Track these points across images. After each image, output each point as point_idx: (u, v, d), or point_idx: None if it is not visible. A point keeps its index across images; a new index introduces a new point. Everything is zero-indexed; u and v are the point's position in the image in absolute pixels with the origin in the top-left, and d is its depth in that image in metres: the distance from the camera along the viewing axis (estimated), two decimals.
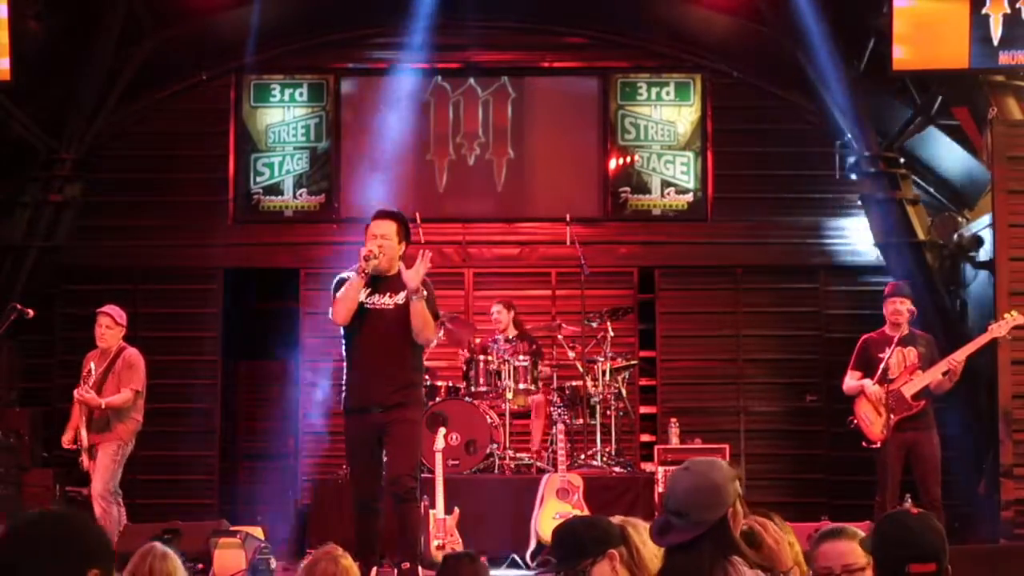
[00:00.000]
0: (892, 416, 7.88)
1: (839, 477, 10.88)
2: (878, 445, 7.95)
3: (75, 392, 7.93)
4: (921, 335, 8.23)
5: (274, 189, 11.53)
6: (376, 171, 11.52)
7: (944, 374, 7.96)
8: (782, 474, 11.08)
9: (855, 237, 11.22)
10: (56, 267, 10.91)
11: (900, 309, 8.04)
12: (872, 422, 7.99)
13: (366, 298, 6.55)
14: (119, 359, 8.08)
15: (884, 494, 7.87)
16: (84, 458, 8.02)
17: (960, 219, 10.62)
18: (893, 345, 7.94)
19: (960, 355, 7.97)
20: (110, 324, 8.13)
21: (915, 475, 8.13)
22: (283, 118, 11.58)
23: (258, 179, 11.53)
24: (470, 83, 11.67)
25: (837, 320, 11.18)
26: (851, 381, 8.23)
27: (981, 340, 8.04)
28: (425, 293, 6.43)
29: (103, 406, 7.89)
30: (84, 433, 7.91)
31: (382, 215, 6.74)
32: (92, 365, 8.04)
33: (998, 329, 7.99)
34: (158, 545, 4.04)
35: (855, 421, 8.13)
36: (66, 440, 8.04)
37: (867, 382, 8.04)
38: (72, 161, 10.76)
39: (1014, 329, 8.10)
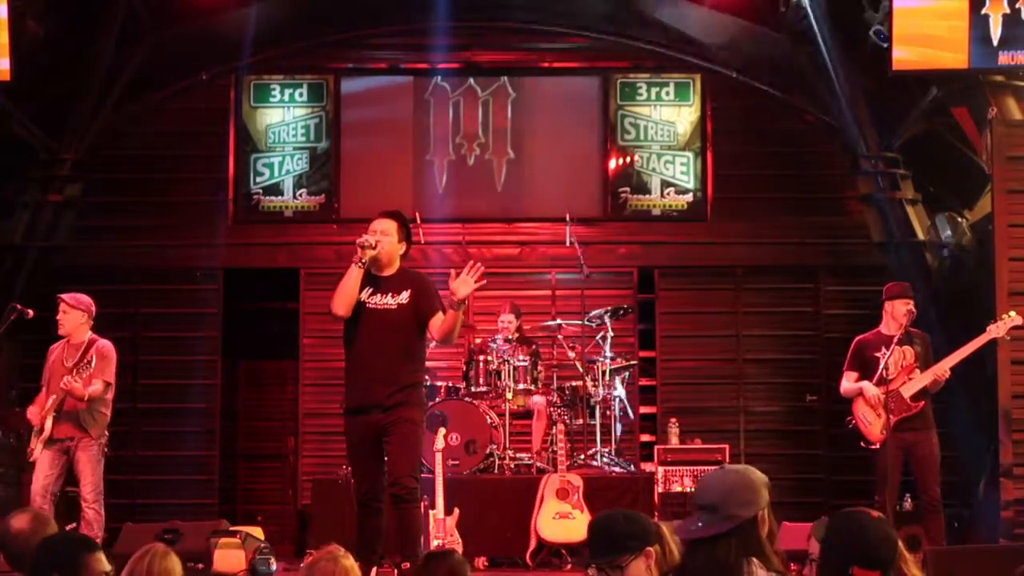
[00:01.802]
0: (891, 417, 7.87)
1: (839, 477, 10.89)
2: (877, 446, 7.94)
3: (64, 380, 7.72)
4: (917, 333, 8.19)
5: (274, 189, 11.53)
6: (376, 171, 11.53)
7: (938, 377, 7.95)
8: (782, 474, 11.04)
9: (855, 237, 11.22)
10: (56, 267, 10.90)
11: (912, 310, 8.01)
12: (871, 423, 7.98)
13: (367, 297, 6.56)
14: (91, 350, 7.88)
15: (883, 494, 7.85)
16: (36, 446, 7.77)
17: (960, 219, 10.63)
18: (892, 344, 7.92)
19: (956, 357, 7.95)
20: (65, 308, 7.93)
21: (914, 475, 8.12)
22: (283, 118, 11.58)
23: (258, 179, 11.53)
24: (470, 83, 11.67)
25: (836, 320, 11.17)
26: (848, 383, 8.20)
27: (979, 341, 8.02)
28: (465, 304, 6.46)
29: (85, 397, 7.76)
30: (50, 423, 7.70)
31: (383, 213, 6.79)
32: (69, 363, 7.81)
33: (996, 330, 7.97)
34: (159, 544, 4.04)
35: (853, 421, 8.12)
36: (35, 417, 7.79)
37: (865, 384, 8.01)
38: (72, 161, 10.77)
39: (1013, 329, 8.08)
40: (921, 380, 7.93)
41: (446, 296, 6.48)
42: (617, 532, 3.43)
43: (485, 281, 6.47)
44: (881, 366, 7.87)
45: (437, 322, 6.51)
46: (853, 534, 3.19)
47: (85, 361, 7.85)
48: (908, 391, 7.93)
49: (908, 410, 7.92)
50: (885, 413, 7.84)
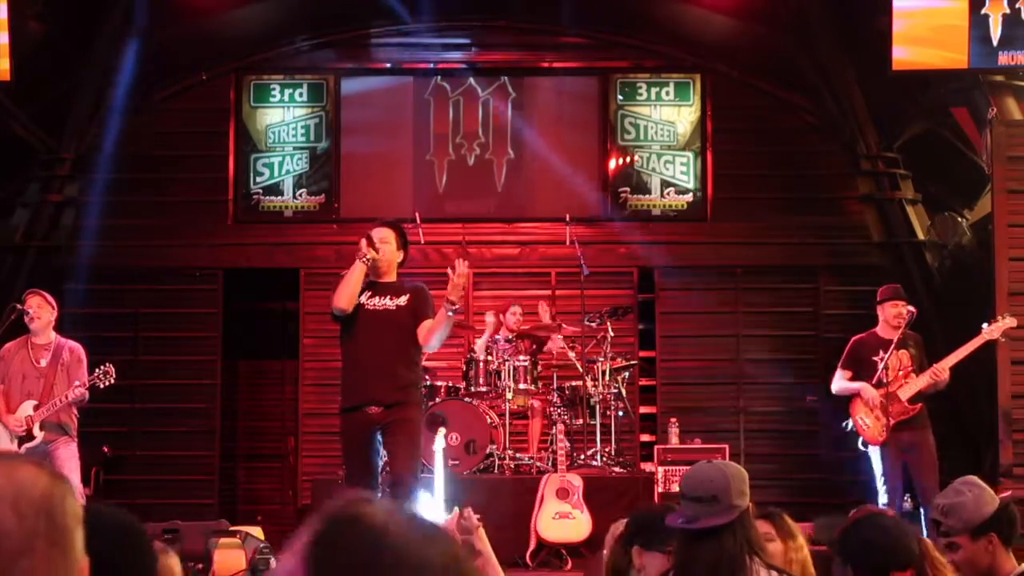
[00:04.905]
0: (890, 419, 7.85)
1: (839, 477, 10.88)
2: (876, 448, 7.92)
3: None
4: (911, 334, 8.14)
5: (274, 189, 11.53)
6: (376, 171, 11.53)
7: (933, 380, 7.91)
8: (782, 474, 11.07)
9: (855, 237, 11.22)
10: (56, 267, 10.91)
11: (902, 312, 7.95)
12: (869, 425, 7.94)
13: (366, 300, 6.59)
14: (64, 352, 7.78)
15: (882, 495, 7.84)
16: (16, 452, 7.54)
17: (960, 219, 10.63)
18: (891, 348, 7.87)
19: (952, 359, 7.90)
20: (42, 304, 7.83)
21: (913, 476, 8.09)
22: (283, 118, 11.58)
23: (258, 179, 11.53)
24: (470, 83, 11.67)
25: (836, 320, 11.16)
26: (843, 382, 8.13)
27: (975, 343, 7.98)
28: (458, 307, 6.48)
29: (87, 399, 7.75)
30: (40, 432, 7.61)
31: (382, 223, 6.83)
32: (42, 362, 7.72)
33: (991, 332, 7.92)
34: (157, 543, 4.03)
35: (851, 424, 8.08)
36: (16, 425, 7.64)
37: (864, 386, 7.94)
38: (72, 161, 10.78)
39: (1009, 331, 8.04)
40: (918, 383, 7.88)
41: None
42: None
43: (466, 270, 6.41)
44: (880, 367, 7.83)
45: (425, 326, 6.52)
46: (883, 540, 3.17)
47: (62, 364, 7.77)
48: (905, 394, 7.89)
49: (905, 413, 7.88)
50: (884, 416, 7.81)
